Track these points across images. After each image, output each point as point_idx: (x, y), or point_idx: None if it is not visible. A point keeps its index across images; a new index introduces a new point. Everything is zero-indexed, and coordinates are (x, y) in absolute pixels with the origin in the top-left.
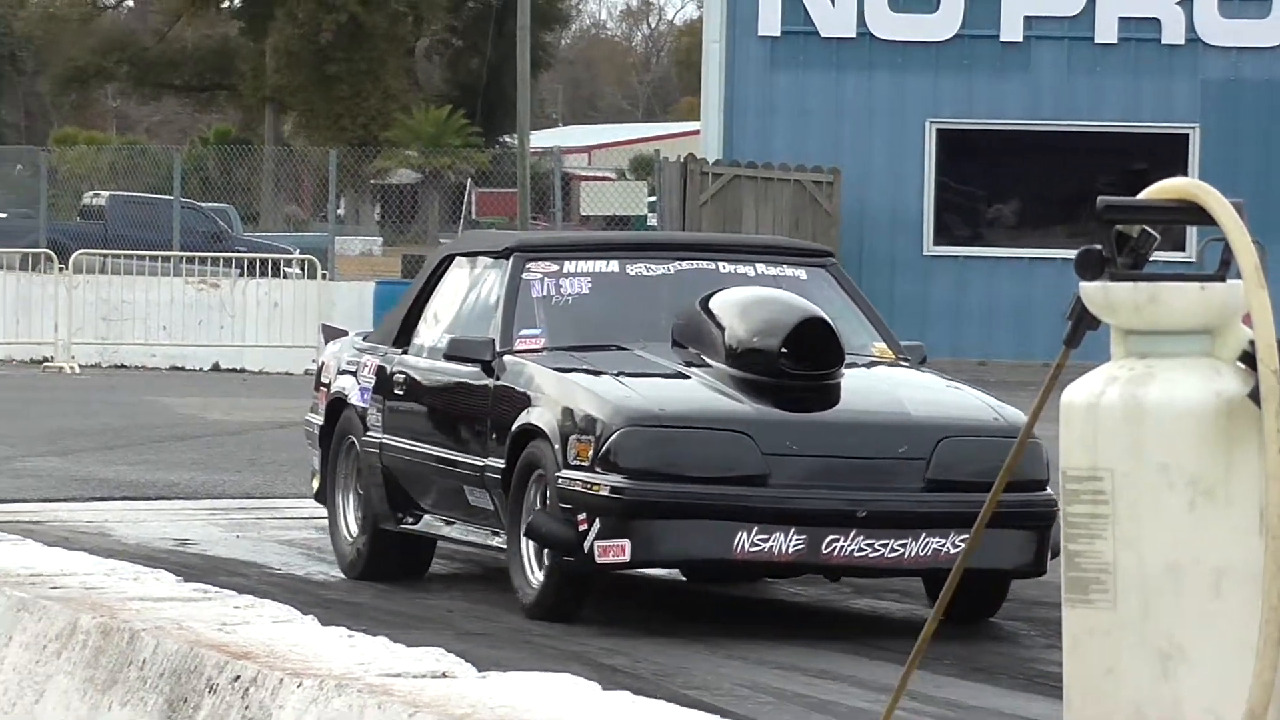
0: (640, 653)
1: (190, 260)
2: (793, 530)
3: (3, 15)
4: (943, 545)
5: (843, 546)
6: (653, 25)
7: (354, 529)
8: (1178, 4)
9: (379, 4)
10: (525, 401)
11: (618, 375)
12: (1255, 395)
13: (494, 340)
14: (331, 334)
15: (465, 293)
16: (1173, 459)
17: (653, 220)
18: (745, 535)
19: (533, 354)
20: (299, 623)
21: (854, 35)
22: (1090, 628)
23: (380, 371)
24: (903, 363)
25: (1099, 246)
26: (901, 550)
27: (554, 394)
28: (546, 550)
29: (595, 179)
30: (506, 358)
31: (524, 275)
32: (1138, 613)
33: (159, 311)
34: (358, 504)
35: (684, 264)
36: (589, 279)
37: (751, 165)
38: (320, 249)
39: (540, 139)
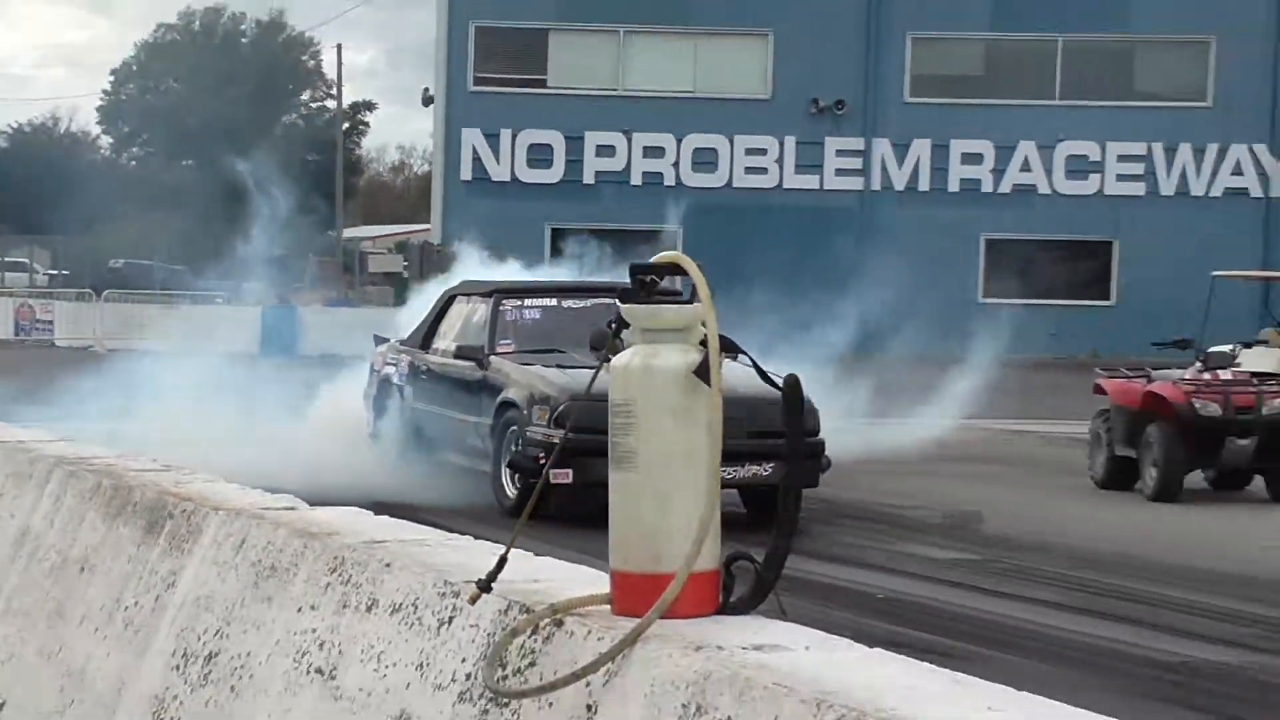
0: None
1: None
2: None
3: None
4: (760, 470)
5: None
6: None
7: (395, 455)
8: None
9: None
10: (504, 384)
11: (561, 369)
12: (699, 371)
13: (484, 346)
14: (378, 340)
15: (465, 318)
16: (666, 397)
17: None
18: None
19: (507, 355)
20: (219, 482)
21: None
22: (624, 484)
23: (411, 364)
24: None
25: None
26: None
27: (523, 380)
28: (518, 474)
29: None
30: (491, 358)
31: (500, 308)
32: (648, 476)
33: None
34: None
35: (593, 300)
36: (539, 309)
37: None
38: None
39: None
